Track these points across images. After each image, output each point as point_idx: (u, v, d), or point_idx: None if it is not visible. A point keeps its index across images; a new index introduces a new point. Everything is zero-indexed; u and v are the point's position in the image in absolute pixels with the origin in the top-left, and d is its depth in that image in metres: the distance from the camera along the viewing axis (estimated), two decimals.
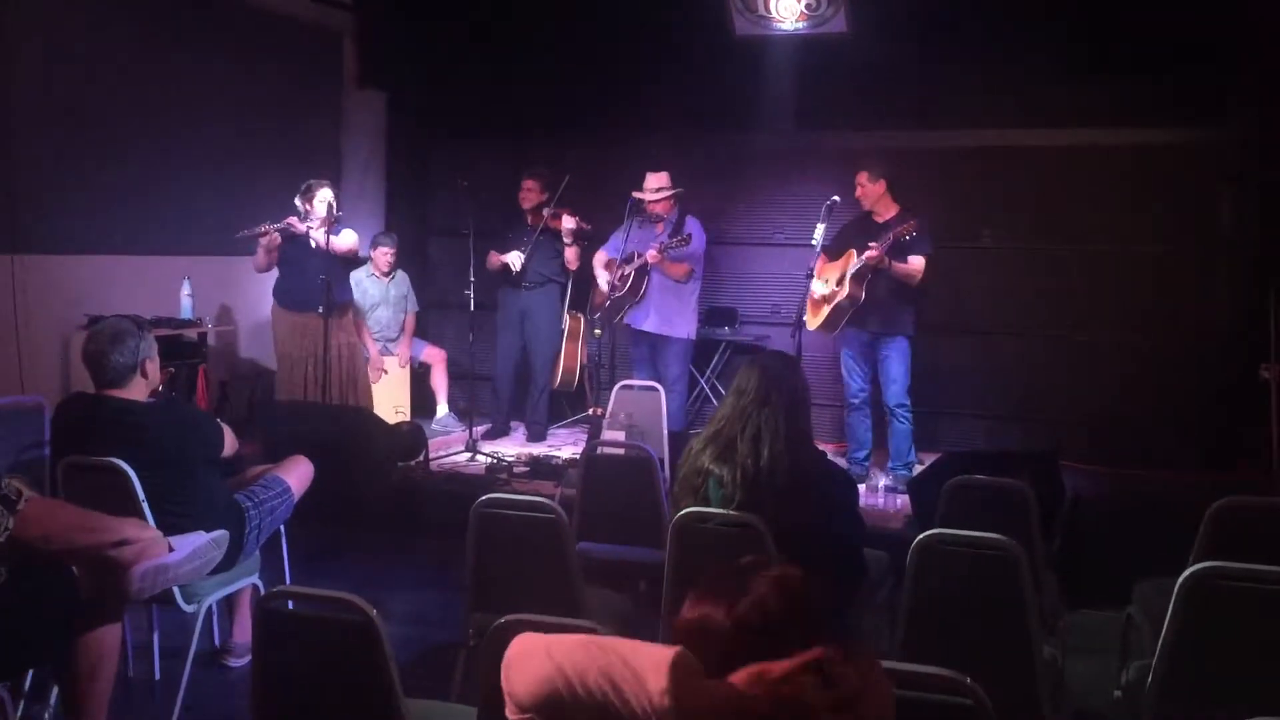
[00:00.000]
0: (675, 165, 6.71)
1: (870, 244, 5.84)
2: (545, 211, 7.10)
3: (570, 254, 7.09)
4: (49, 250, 6.16)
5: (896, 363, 6.14)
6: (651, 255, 6.45)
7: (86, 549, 3.16)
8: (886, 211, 6.11)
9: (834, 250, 6.18)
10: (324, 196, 6.40)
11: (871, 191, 6.11)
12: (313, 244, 6.37)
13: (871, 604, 3.67)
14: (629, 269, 6.64)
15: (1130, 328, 6.92)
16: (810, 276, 6.05)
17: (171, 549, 3.38)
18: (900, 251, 5.87)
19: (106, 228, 6.49)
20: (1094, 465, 6.52)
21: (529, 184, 7.14)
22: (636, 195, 6.59)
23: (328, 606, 2.48)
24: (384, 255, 7.47)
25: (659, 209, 6.63)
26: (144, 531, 3.30)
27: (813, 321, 6.20)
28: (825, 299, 6.11)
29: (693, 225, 6.58)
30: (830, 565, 3.06)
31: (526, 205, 7.15)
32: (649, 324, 6.71)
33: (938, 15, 6.90)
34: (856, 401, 6.35)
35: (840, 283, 6.03)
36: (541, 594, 3.27)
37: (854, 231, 6.17)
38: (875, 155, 6.30)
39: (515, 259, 7.04)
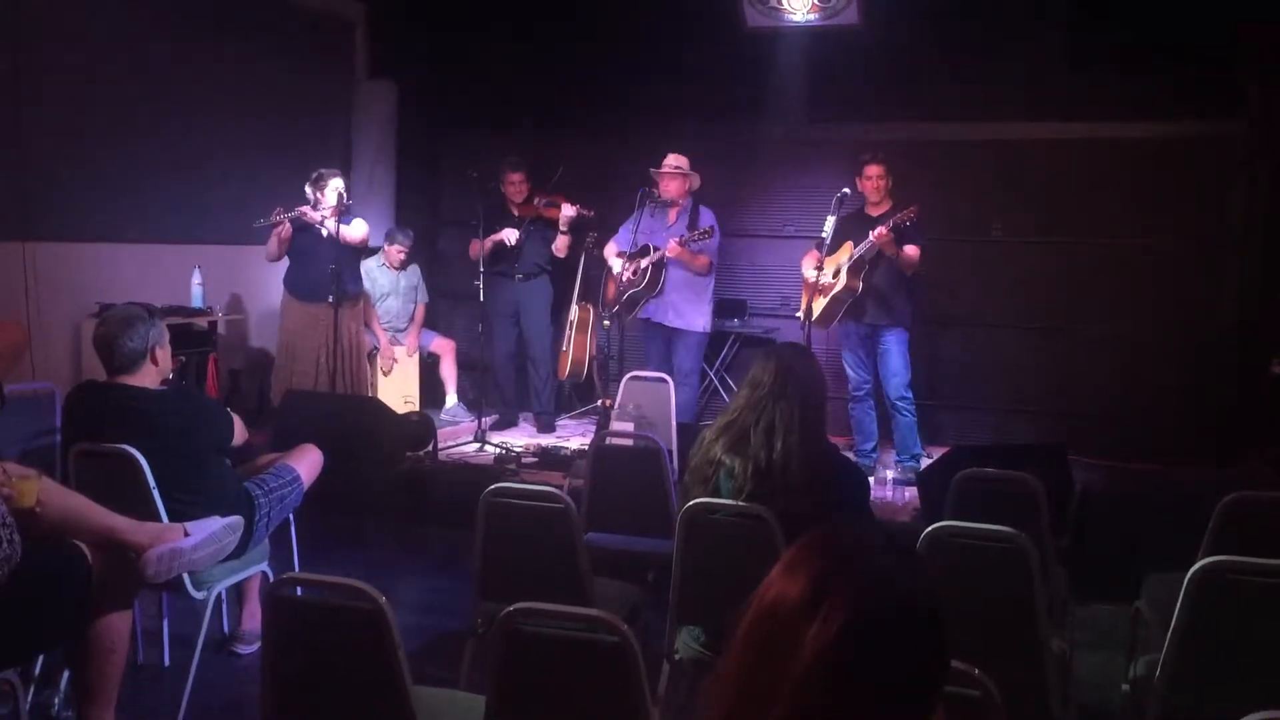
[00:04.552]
0: (686, 156, 6.69)
1: (877, 228, 5.81)
2: (536, 201, 7.08)
3: (562, 242, 7.06)
4: (60, 238, 6.18)
5: (896, 355, 6.16)
6: (671, 249, 6.39)
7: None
8: (883, 206, 6.13)
9: (830, 245, 6.17)
10: (335, 186, 6.44)
11: (884, 185, 6.10)
12: (324, 233, 6.40)
13: None
14: (646, 262, 6.59)
15: (1140, 321, 6.90)
16: (819, 269, 6.05)
17: (187, 533, 3.39)
18: (898, 240, 5.87)
19: (118, 216, 6.51)
20: (1103, 459, 6.50)
21: (516, 176, 7.12)
22: (652, 171, 6.57)
23: (337, 594, 2.48)
24: (397, 252, 7.45)
25: (671, 189, 6.57)
26: (138, 534, 3.31)
27: (810, 312, 6.19)
28: (821, 291, 6.11)
29: (709, 217, 6.55)
30: None
31: (519, 198, 7.13)
32: (666, 318, 6.68)
33: (949, 7, 6.88)
34: (860, 394, 6.36)
35: (837, 275, 6.04)
36: (549, 584, 3.28)
37: (850, 225, 6.13)
38: (882, 149, 6.27)
39: (510, 234, 7.03)
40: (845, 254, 6.03)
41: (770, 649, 1.26)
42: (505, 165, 7.18)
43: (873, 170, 6.10)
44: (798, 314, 6.11)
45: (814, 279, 6.07)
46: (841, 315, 6.15)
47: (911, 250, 5.92)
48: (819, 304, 6.11)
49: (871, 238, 5.83)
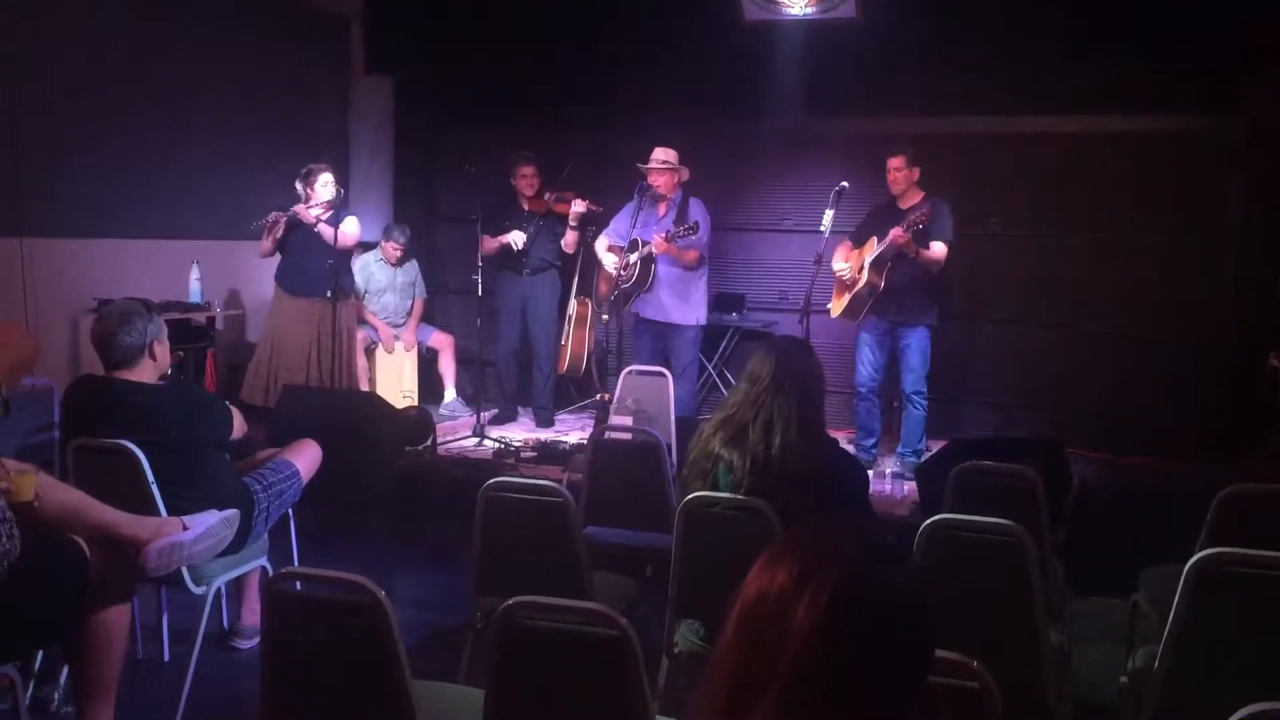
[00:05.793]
0: (683, 150, 6.67)
1: (893, 230, 5.77)
2: (547, 196, 7.07)
3: (571, 238, 7.06)
4: (58, 234, 6.18)
5: (916, 352, 6.13)
6: (658, 244, 6.35)
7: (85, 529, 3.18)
8: (912, 198, 6.07)
9: (859, 237, 6.18)
10: (325, 180, 6.43)
11: (906, 177, 6.06)
12: (315, 229, 6.40)
13: None
14: (635, 257, 6.57)
15: (1138, 316, 6.90)
16: (818, 263, 6.04)
17: (186, 527, 3.39)
18: (922, 237, 5.83)
19: (115, 211, 6.50)
20: (1101, 453, 6.51)
21: (528, 170, 7.11)
22: (640, 166, 6.55)
23: (336, 588, 2.48)
24: (393, 249, 7.45)
25: (660, 183, 6.52)
26: (137, 529, 3.31)
27: (836, 308, 6.20)
28: (847, 286, 6.11)
29: (697, 209, 6.51)
30: None
31: (530, 192, 7.12)
32: (659, 313, 6.65)
33: (947, 1, 6.86)
34: (865, 390, 6.34)
35: (861, 270, 6.03)
36: (548, 578, 3.29)
37: (877, 218, 6.12)
38: (908, 141, 6.25)
39: (517, 237, 7.02)
40: (870, 249, 6.02)
41: (759, 636, 1.27)
42: (517, 159, 7.16)
43: (892, 163, 6.06)
44: (828, 307, 6.13)
45: (844, 279, 6.10)
46: (866, 311, 6.14)
47: (936, 249, 5.88)
48: (844, 300, 6.12)
49: (890, 238, 5.80)
